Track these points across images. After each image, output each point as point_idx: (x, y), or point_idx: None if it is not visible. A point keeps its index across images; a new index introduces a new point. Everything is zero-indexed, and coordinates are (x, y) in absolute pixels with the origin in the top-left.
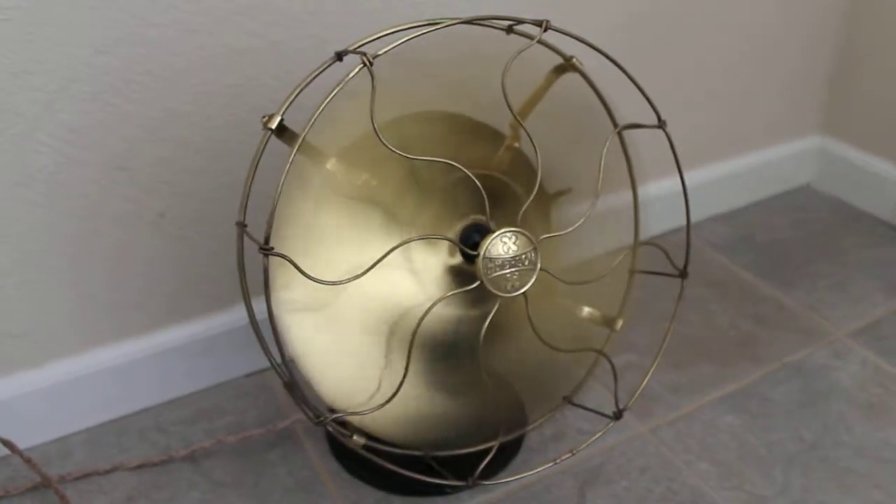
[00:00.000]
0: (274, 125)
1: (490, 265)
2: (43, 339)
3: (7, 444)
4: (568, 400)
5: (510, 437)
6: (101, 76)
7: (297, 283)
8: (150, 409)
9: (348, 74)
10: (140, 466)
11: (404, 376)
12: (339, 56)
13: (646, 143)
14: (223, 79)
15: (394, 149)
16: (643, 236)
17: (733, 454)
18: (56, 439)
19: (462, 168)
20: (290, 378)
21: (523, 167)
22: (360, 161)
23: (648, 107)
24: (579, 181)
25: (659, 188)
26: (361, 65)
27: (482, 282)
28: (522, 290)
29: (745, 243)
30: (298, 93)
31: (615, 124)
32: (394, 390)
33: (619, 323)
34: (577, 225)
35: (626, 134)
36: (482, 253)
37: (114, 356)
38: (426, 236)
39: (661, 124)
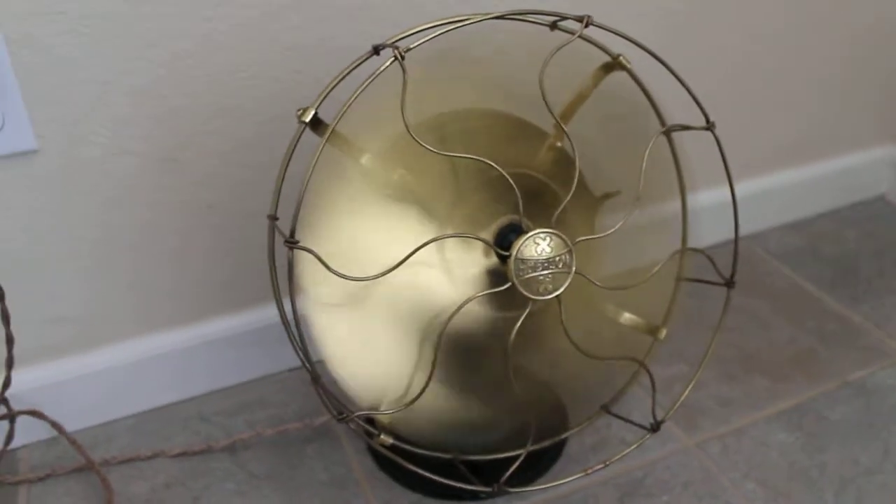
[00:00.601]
0: (308, 118)
1: (522, 266)
2: (96, 325)
3: (56, 426)
4: (605, 409)
5: (541, 445)
6: (152, 69)
7: (329, 278)
8: (196, 398)
9: (380, 67)
10: (181, 454)
11: (430, 376)
12: (377, 50)
13: (705, 150)
14: (271, 73)
15: (424, 144)
16: (696, 244)
17: (783, 474)
18: (104, 423)
19: (495, 166)
20: (314, 373)
21: (567, 168)
22: (398, 157)
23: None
24: (628, 185)
25: (719, 195)
26: (393, 58)
27: (513, 283)
28: (556, 294)
29: (812, 255)
30: (334, 86)
31: (663, 124)
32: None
33: (663, 332)
34: (615, 228)
35: (677, 139)
36: (514, 254)
37: (164, 344)
38: (457, 234)
39: (710, 125)
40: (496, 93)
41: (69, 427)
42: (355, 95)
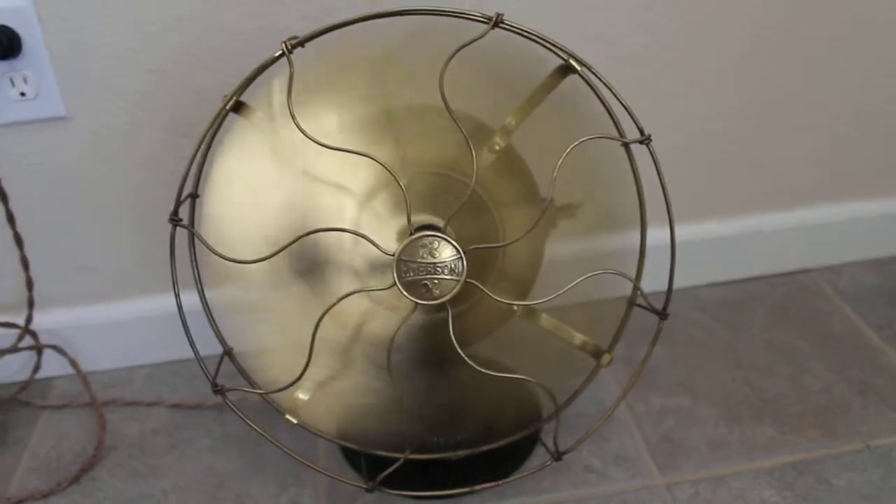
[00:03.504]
0: (229, 105)
1: (404, 268)
2: (125, 278)
3: (73, 362)
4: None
5: (428, 455)
6: (164, 49)
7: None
8: (210, 357)
9: (269, 58)
10: (175, 406)
11: (307, 365)
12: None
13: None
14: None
15: (310, 135)
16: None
17: None
18: (126, 367)
19: (377, 160)
20: (225, 346)
21: (511, 172)
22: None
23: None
24: (592, 198)
25: (793, 220)
26: (280, 52)
27: (395, 284)
28: (442, 300)
29: (886, 299)
30: (255, 77)
31: (621, 135)
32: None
33: (607, 358)
34: (517, 238)
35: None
36: (397, 254)
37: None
38: (332, 228)
39: (645, 139)
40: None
41: (96, 367)
42: (240, 89)
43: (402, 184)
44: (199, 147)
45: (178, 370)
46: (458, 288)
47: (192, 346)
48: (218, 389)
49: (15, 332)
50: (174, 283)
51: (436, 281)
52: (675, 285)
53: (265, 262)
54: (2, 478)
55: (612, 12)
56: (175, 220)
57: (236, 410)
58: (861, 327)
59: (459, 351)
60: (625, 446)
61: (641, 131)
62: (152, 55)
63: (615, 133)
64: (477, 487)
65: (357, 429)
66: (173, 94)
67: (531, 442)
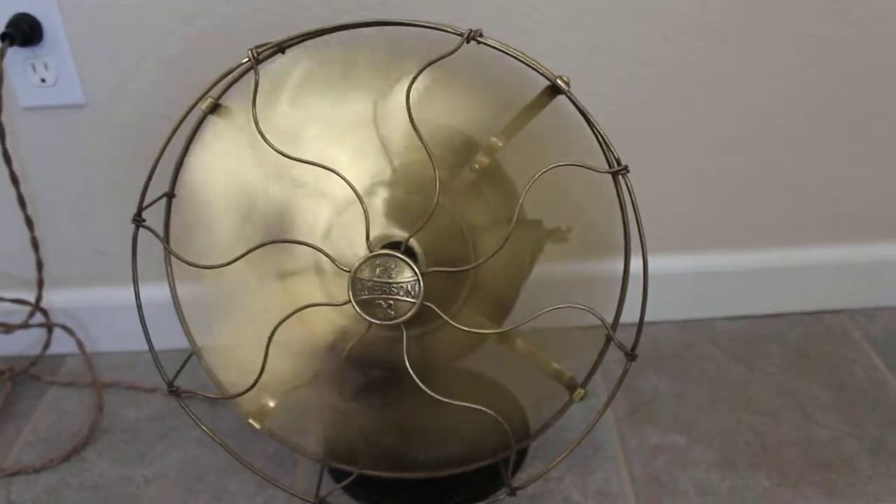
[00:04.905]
0: (204, 106)
1: (360, 286)
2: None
3: (79, 343)
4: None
5: (383, 473)
6: (182, 40)
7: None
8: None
9: (235, 67)
10: (173, 393)
11: (261, 370)
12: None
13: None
14: None
15: (275, 146)
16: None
17: None
18: (131, 351)
19: (340, 174)
20: (194, 345)
21: (497, 192)
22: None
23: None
24: (582, 224)
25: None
26: (247, 59)
27: (350, 301)
28: (398, 321)
29: None
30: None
31: (611, 163)
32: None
33: (580, 393)
34: (482, 262)
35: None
36: (353, 271)
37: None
38: (288, 241)
39: (620, 170)
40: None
41: (105, 348)
42: (205, 93)
43: (364, 202)
44: (165, 147)
45: (182, 358)
46: (413, 310)
47: (148, 343)
48: (173, 390)
49: (28, 308)
50: (135, 282)
51: (391, 301)
52: (691, 315)
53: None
54: (1, 449)
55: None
56: (138, 220)
57: (189, 412)
58: (887, 379)
59: (412, 373)
60: (609, 481)
61: (618, 161)
62: (170, 46)
63: (601, 160)
64: None
65: (320, 439)
66: (190, 84)
67: (515, 466)
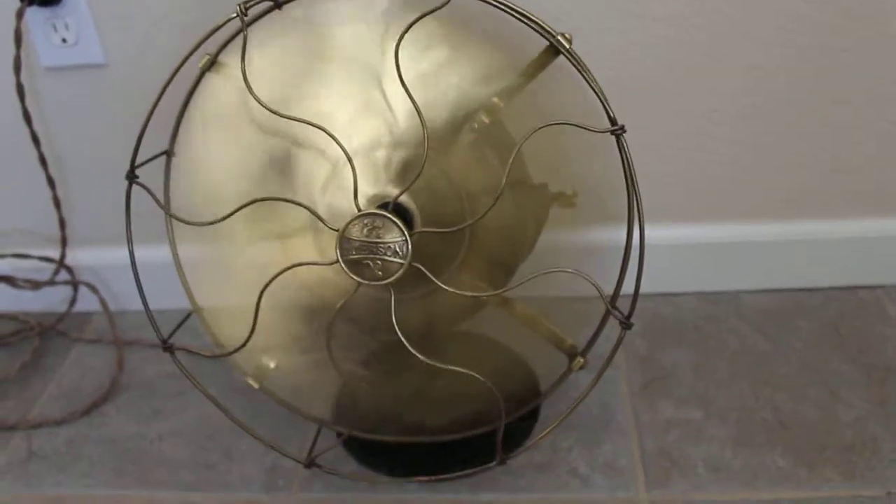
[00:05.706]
0: (201, 63)
1: (347, 246)
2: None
3: (102, 301)
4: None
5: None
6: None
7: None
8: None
9: (224, 23)
10: (194, 353)
11: (252, 329)
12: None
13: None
14: None
15: (264, 103)
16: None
17: None
18: (156, 310)
19: (329, 133)
20: (194, 304)
21: (496, 153)
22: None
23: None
24: (583, 188)
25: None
26: (235, 15)
27: (339, 261)
28: (387, 282)
29: None
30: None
31: (612, 122)
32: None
33: (580, 363)
34: (467, 224)
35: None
36: (342, 231)
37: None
38: (277, 198)
39: (617, 129)
40: None
41: (130, 306)
42: (193, 49)
43: (352, 160)
44: (156, 104)
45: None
46: (402, 271)
47: (143, 302)
48: (167, 347)
49: (53, 266)
50: (129, 240)
51: (378, 262)
52: (717, 287)
53: (239, 219)
54: (27, 402)
55: None
56: (132, 177)
57: (184, 369)
58: None
59: (401, 336)
60: (618, 454)
61: (614, 121)
62: (191, 8)
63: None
64: (413, 479)
65: (325, 401)
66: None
67: (523, 434)
